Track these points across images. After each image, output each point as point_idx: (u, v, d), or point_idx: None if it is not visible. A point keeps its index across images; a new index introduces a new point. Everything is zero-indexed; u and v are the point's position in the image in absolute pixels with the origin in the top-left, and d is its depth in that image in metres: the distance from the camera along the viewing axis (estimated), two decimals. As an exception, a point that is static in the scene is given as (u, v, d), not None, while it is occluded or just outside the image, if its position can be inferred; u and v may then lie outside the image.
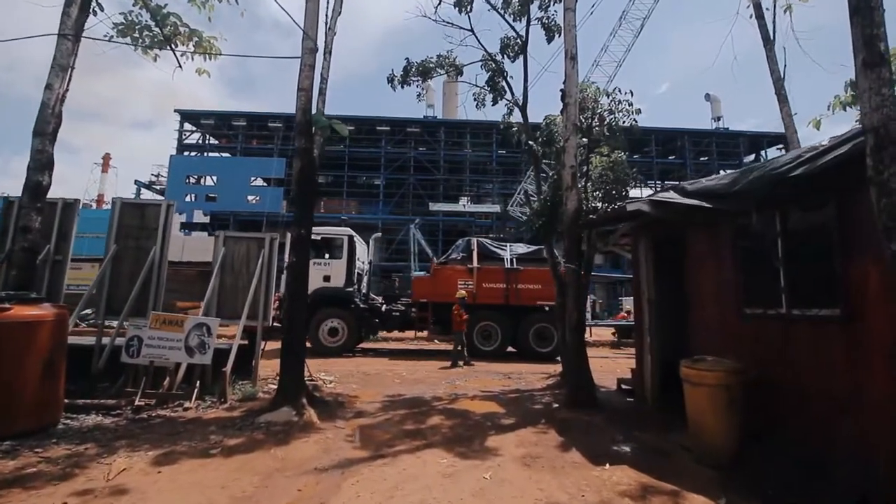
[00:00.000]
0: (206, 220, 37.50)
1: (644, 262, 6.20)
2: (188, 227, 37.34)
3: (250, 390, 7.03)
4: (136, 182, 42.60)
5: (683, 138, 42.60)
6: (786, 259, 4.21)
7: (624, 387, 7.85)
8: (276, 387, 6.58)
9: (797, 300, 4.11)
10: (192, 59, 8.62)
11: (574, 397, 6.39)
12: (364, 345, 15.61)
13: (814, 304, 3.95)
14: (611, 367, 11.25)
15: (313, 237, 7.76)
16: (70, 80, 6.81)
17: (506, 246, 14.30)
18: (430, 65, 9.40)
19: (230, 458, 4.32)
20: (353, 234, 13.44)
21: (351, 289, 12.96)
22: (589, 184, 8.39)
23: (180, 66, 8.50)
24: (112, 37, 8.17)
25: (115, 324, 7.23)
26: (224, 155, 43.07)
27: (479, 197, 42.38)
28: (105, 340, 6.99)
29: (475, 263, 13.38)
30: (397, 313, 13.77)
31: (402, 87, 9.45)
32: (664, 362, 6.14)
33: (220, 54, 8.29)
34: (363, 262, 14.48)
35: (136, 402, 5.99)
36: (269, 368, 8.38)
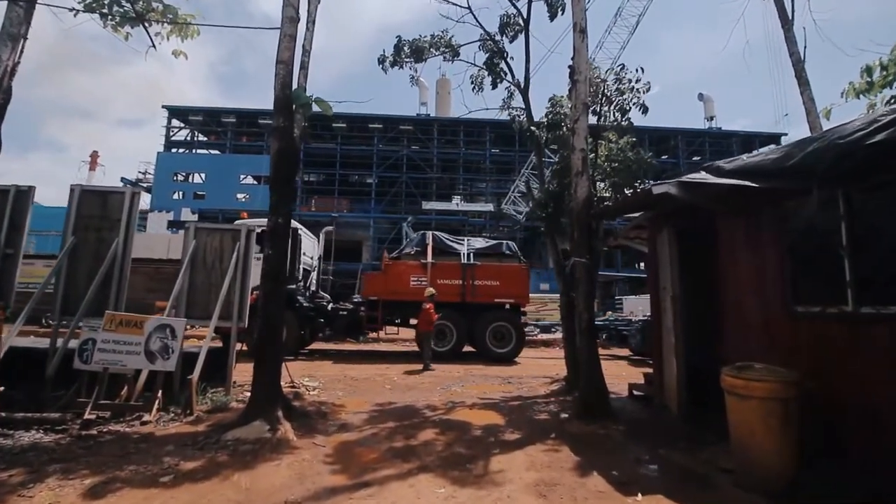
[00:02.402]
0: (195, 218, 36.52)
1: (668, 256, 5.49)
2: (176, 225, 36.34)
3: (222, 399, 6.27)
4: (123, 180, 41.58)
5: (677, 138, 42.27)
6: (852, 246, 3.52)
7: (636, 393, 7.19)
8: (252, 396, 5.83)
9: (868, 295, 3.42)
10: (168, 38, 7.92)
11: (585, 406, 5.69)
12: (356, 347, 14.86)
13: (893, 300, 3.26)
14: (612, 370, 10.59)
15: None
16: (22, 51, 6.05)
17: (463, 240, 13.55)
18: (424, 44, 8.68)
19: (181, 487, 3.56)
20: (299, 226, 12.42)
21: (294, 286, 11.91)
22: (596, 173, 7.72)
23: (154, 46, 7.77)
24: (77, 11, 7.46)
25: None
26: (213, 152, 42.08)
27: (473, 196, 41.71)
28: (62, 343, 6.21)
29: (429, 258, 12.57)
30: (344, 312, 12.85)
31: (393, 67, 8.73)
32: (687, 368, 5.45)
33: (197, 24, 7.53)
34: (311, 258, 13.52)
35: (86, 416, 5.20)
36: (247, 374, 7.59)
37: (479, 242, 13.75)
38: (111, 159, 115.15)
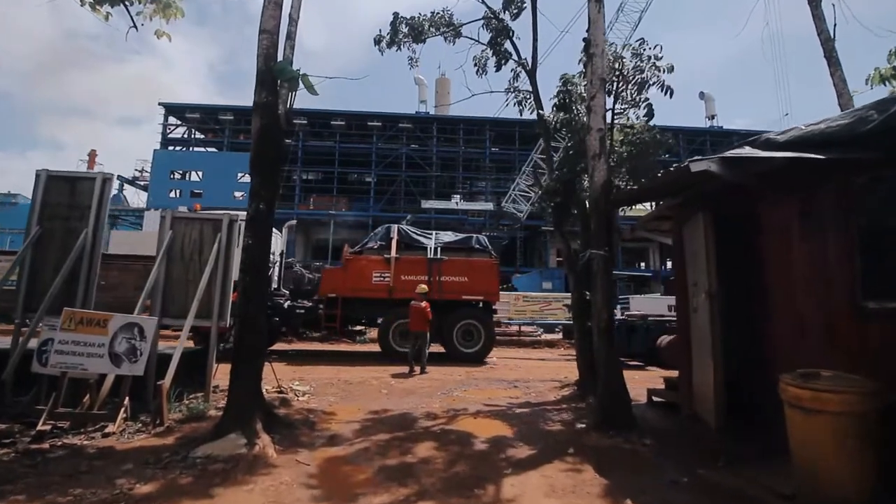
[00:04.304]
0: (191, 216, 35.87)
1: (703, 247, 4.80)
2: (171, 223, 35.66)
3: (199, 407, 5.64)
4: (119, 177, 40.91)
5: (678, 136, 41.65)
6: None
7: (657, 399, 6.56)
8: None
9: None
10: (151, 19, 7.37)
11: (605, 415, 5.07)
12: (353, 348, 14.22)
13: None
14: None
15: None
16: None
17: (431, 234, 12.82)
18: (423, 22, 8.06)
19: (129, 520, 2.94)
20: None
21: None
22: (611, 159, 7.12)
23: (135, 27, 7.25)
24: (53, -12, 6.91)
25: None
26: (210, 150, 41.47)
27: (472, 194, 41.06)
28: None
29: (393, 253, 11.79)
30: (301, 310, 12.07)
31: (391, 48, 8.12)
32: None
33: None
34: (273, 253, 12.82)
35: (40, 426, 4.58)
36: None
37: (448, 236, 12.95)
38: (109, 158, 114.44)
